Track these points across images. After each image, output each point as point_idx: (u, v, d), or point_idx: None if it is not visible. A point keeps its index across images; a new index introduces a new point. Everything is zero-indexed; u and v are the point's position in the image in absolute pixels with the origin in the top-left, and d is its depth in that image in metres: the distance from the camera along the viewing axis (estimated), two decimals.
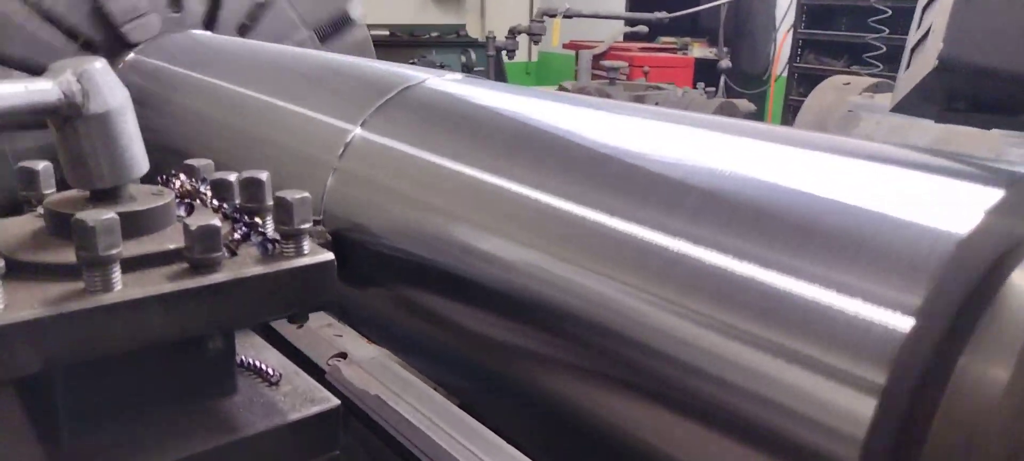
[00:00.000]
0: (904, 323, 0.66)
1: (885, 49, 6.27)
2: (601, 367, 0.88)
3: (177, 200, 1.06)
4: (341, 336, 2.09)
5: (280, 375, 1.10)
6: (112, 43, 2.13)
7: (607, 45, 4.94)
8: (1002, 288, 0.69)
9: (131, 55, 2.21)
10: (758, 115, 5.73)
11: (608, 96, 4.00)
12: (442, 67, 7.44)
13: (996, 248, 0.70)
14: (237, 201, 1.08)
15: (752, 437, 0.74)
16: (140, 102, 2.11)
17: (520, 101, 1.36)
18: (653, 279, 0.83)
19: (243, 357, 1.11)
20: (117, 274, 0.85)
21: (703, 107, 3.94)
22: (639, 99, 4.09)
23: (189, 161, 1.18)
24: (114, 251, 0.83)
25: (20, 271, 0.86)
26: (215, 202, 1.06)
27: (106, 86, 0.92)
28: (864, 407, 0.66)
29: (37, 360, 0.78)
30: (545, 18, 5.33)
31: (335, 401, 1.05)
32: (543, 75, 9.38)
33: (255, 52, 2.05)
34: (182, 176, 1.15)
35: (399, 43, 7.60)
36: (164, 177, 1.16)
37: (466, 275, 1.09)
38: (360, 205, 1.35)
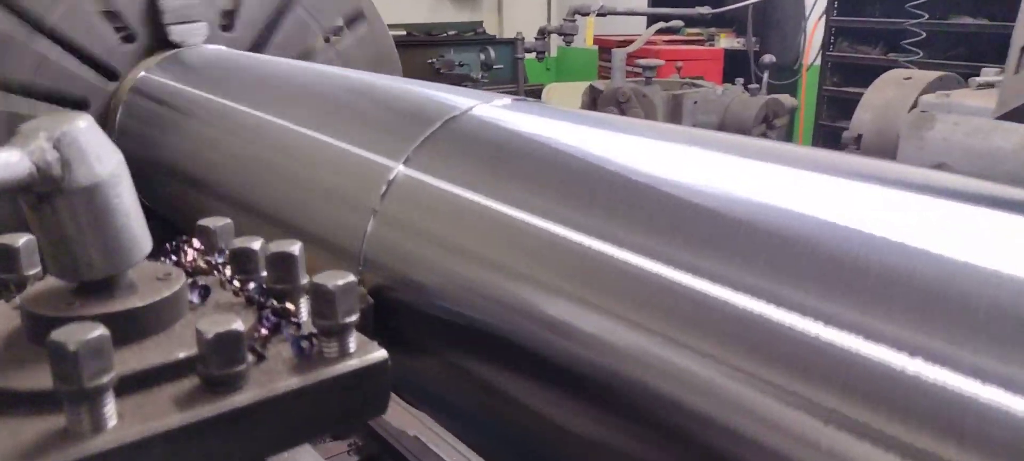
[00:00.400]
0: None
1: (924, 35, 5.98)
2: None
3: (189, 281, 0.85)
4: None
5: None
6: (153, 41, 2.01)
7: (640, 43, 4.67)
8: None
9: (141, 72, 2.02)
10: None
11: (645, 96, 3.76)
12: (461, 66, 7.27)
13: None
14: (263, 273, 0.87)
15: None
16: (157, 116, 1.96)
17: (585, 133, 1.17)
18: (766, 364, 0.67)
19: None
20: (110, 406, 0.64)
21: (748, 106, 3.70)
22: (676, 98, 3.85)
23: (204, 222, 0.97)
24: (104, 379, 0.62)
25: None
26: (236, 282, 0.85)
27: (93, 151, 0.71)
28: None
29: None
30: (577, 17, 5.06)
31: None
32: (563, 70, 9.13)
33: (284, 72, 1.84)
34: (194, 245, 0.94)
35: (417, 43, 7.37)
36: (173, 244, 0.95)
37: (528, 344, 0.92)
38: (405, 255, 1.15)
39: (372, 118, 1.42)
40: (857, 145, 3.11)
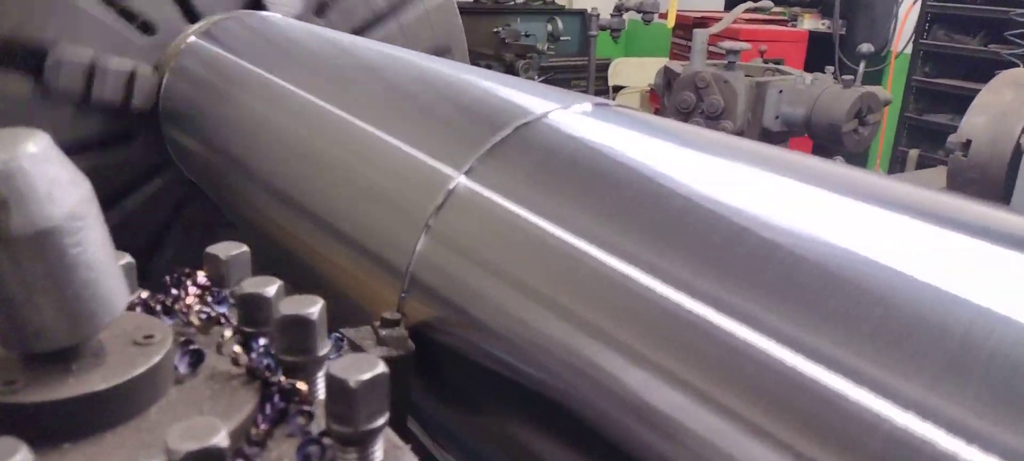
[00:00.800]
0: None
1: None
2: None
3: (180, 338, 0.67)
4: None
5: None
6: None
7: (724, 24, 4.34)
8: None
9: (194, 36, 1.87)
10: None
11: (727, 83, 3.48)
12: (527, 36, 7.00)
13: None
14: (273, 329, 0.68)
15: None
16: (196, 92, 1.81)
17: (684, 157, 0.98)
18: None
19: None
20: None
21: (840, 99, 3.38)
22: (760, 87, 3.55)
23: (213, 250, 0.79)
24: None
25: None
26: (237, 347, 0.66)
27: (45, 184, 0.53)
28: None
29: None
30: None
31: None
32: (632, 45, 8.80)
33: (345, 49, 1.65)
34: (198, 281, 0.76)
35: (483, 10, 7.15)
36: (174, 277, 0.77)
37: (594, 418, 0.76)
38: (458, 284, 0.97)
39: (436, 115, 1.22)
40: (965, 152, 2.79)
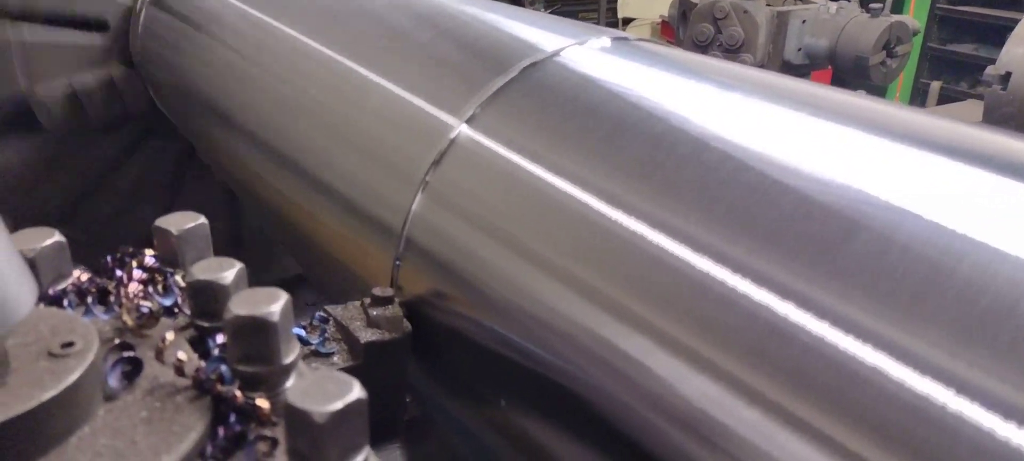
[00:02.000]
0: None
1: None
2: None
3: (113, 339, 0.54)
4: None
5: None
6: None
7: None
8: None
9: None
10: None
11: (746, 13, 3.28)
12: None
13: None
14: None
15: None
16: (180, 32, 1.65)
17: (715, 99, 0.85)
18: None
19: None
20: None
21: (867, 29, 3.17)
22: (781, 17, 3.35)
23: (162, 223, 0.65)
24: None
25: None
26: (182, 354, 0.53)
27: None
28: None
29: None
30: None
31: None
32: None
33: None
34: (145, 262, 0.63)
35: None
36: (117, 257, 0.64)
37: (597, 401, 0.67)
38: (456, 248, 0.85)
39: (435, 55, 1.07)
40: (1003, 85, 2.62)
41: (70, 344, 0.50)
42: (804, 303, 0.55)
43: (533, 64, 0.91)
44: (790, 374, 0.54)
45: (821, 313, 0.54)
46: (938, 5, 6.11)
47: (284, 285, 0.53)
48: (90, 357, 0.49)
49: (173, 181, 1.96)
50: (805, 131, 0.74)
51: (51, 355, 0.49)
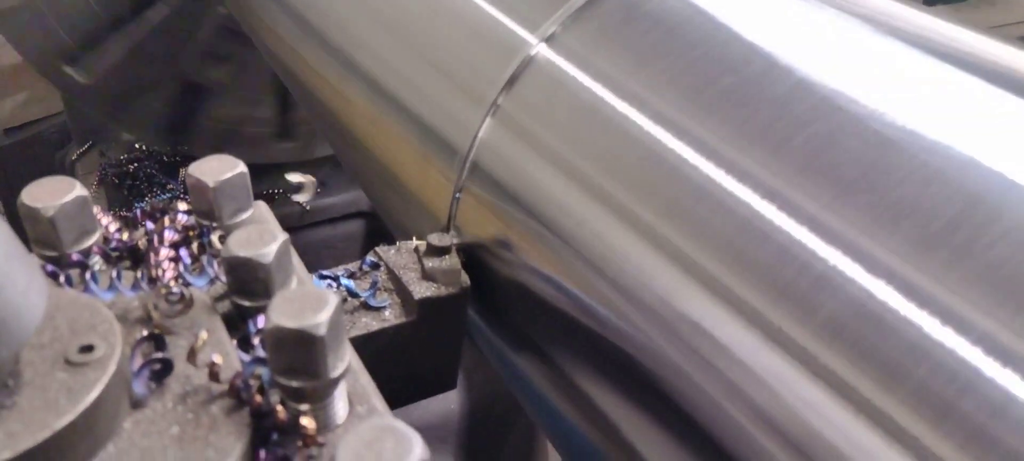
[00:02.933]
0: None
1: None
2: None
3: (140, 332, 0.47)
4: None
5: None
6: None
7: None
8: None
9: None
10: None
11: None
12: None
13: None
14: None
15: None
16: None
17: (819, 35, 0.72)
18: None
19: None
20: None
21: None
22: None
23: (197, 171, 0.57)
24: None
25: None
26: (218, 356, 0.46)
27: None
28: None
29: None
30: None
31: None
32: None
33: None
34: (178, 223, 0.55)
35: None
36: (144, 212, 0.57)
37: (667, 357, 0.61)
38: (528, 187, 0.76)
39: None
40: None
41: (90, 348, 0.43)
42: (872, 267, 0.51)
43: None
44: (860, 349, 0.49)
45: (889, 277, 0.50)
46: None
47: None
48: (113, 365, 0.43)
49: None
50: (917, 79, 0.63)
51: (69, 363, 0.42)
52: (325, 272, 0.70)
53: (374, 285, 0.70)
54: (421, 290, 0.69)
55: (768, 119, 0.62)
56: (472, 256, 0.76)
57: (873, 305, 0.49)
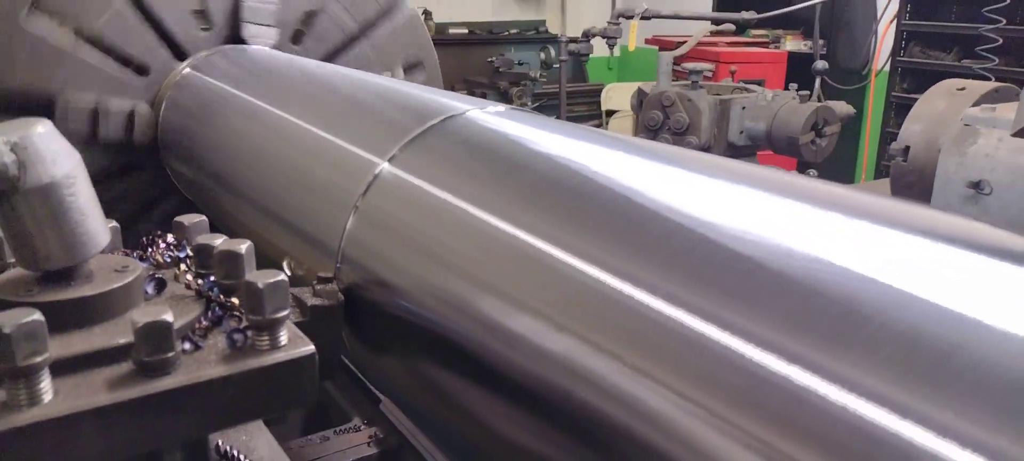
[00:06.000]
0: None
1: (1002, 42, 5.71)
2: None
3: (149, 273, 0.92)
4: None
5: None
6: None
7: (689, 46, 4.63)
8: None
9: (186, 70, 2.14)
10: (857, 115, 5.28)
11: (690, 101, 3.73)
12: (521, 65, 7.30)
13: None
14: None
15: None
16: (186, 119, 2.08)
17: (576, 148, 1.13)
18: (718, 398, 0.63)
19: (223, 446, 0.96)
20: (45, 383, 0.71)
21: (796, 113, 3.61)
22: (725, 104, 3.80)
23: (180, 219, 1.04)
24: (37, 359, 0.70)
25: None
26: (190, 276, 0.91)
27: (49, 153, 0.79)
28: None
29: None
30: (621, 20, 5.04)
31: None
32: (624, 71, 9.08)
33: (306, 74, 1.92)
34: (167, 240, 1.02)
35: (478, 40, 7.46)
36: (149, 238, 1.03)
37: (487, 356, 0.91)
38: (379, 255, 1.19)
39: (369, 114, 1.47)
40: (904, 157, 3.02)
41: (126, 267, 0.88)
42: (675, 300, 0.70)
43: (444, 119, 1.28)
44: (639, 340, 0.71)
45: (674, 301, 0.69)
46: (893, 94, 6.55)
47: None
48: (137, 274, 0.88)
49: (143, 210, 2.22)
50: (656, 172, 1.00)
51: (116, 271, 0.87)
52: None
53: None
54: (312, 301, 1.13)
55: (553, 192, 1.01)
56: (348, 292, 1.20)
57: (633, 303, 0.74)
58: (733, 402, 0.61)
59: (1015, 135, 1.96)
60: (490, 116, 1.33)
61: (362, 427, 1.63)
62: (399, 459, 1.73)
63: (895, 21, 6.53)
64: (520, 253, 0.91)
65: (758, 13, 5.77)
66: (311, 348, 0.85)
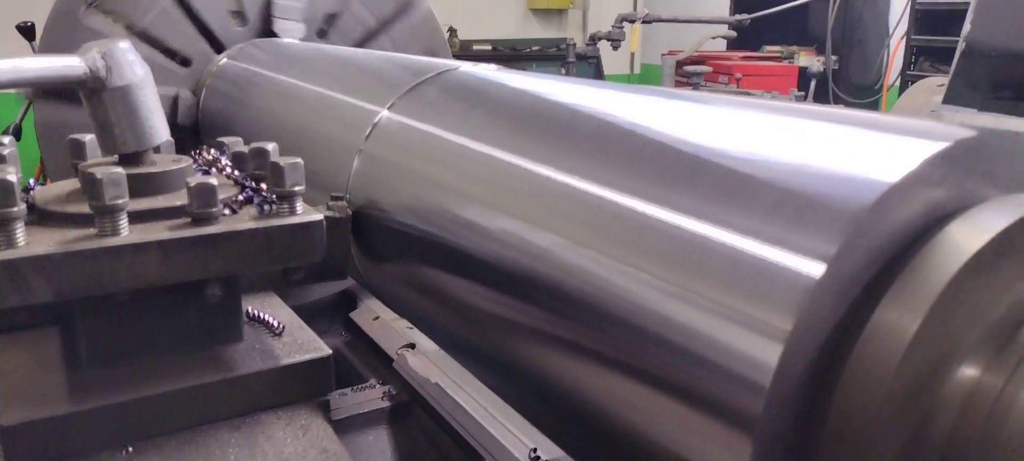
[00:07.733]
0: (815, 269, 0.64)
1: None
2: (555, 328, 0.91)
3: (198, 167, 1.19)
4: (411, 329, 2.19)
5: (283, 327, 1.20)
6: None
7: (690, 51, 4.88)
8: (930, 243, 0.67)
9: (223, 60, 2.44)
10: None
11: None
12: None
13: (929, 202, 0.69)
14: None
15: (666, 384, 0.75)
16: (224, 103, 2.37)
17: (550, 87, 1.34)
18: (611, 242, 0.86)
19: (253, 311, 1.22)
20: (124, 222, 0.97)
21: None
22: None
23: (222, 138, 1.31)
24: (119, 201, 0.96)
25: (48, 219, 1.00)
26: (229, 169, 1.18)
27: (127, 63, 1.06)
28: (770, 353, 0.65)
29: (48, 291, 0.91)
30: (624, 24, 5.31)
31: (326, 350, 1.14)
32: (643, 82, 9.31)
33: (325, 54, 2.21)
34: (209, 150, 1.28)
35: (501, 57, 7.76)
36: (197, 150, 1.30)
37: (470, 251, 1.11)
38: (380, 184, 1.42)
39: (375, 77, 1.74)
40: None
41: (180, 159, 1.15)
42: (605, 184, 0.90)
43: (439, 73, 1.53)
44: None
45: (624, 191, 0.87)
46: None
47: None
48: (187, 163, 1.14)
49: None
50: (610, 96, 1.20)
51: (173, 161, 1.14)
52: None
53: None
54: (326, 213, 1.39)
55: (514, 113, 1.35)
56: (356, 212, 1.45)
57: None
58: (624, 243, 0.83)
59: (943, 102, 2.16)
60: (479, 69, 1.58)
61: (377, 385, 1.87)
62: (410, 411, 1.98)
63: (905, 37, 6.71)
64: (496, 168, 1.13)
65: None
66: (320, 216, 1.10)
